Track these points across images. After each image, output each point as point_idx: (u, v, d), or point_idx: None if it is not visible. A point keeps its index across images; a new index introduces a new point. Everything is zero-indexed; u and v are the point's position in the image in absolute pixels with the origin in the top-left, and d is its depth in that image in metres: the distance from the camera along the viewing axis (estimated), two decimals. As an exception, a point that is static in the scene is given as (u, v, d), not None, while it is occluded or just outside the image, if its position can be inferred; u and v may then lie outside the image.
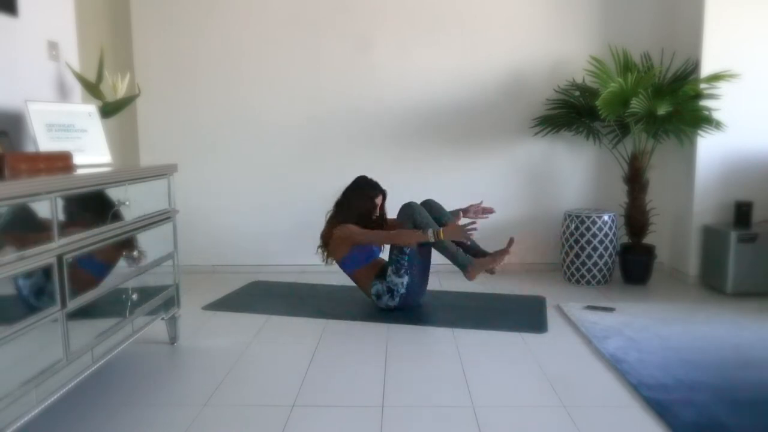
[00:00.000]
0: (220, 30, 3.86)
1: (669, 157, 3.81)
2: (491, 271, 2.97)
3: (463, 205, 3.23)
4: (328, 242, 3.10)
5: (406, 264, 2.93)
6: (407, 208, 3.00)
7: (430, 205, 3.12)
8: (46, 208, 1.64)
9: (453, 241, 2.96)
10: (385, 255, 3.12)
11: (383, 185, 4.03)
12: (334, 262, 3.14)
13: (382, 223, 3.19)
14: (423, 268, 3.02)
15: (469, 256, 2.98)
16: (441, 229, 2.90)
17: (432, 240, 2.89)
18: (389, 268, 2.97)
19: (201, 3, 3.84)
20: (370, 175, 4.01)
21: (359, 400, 2.05)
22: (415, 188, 3.95)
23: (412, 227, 2.95)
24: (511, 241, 2.97)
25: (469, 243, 2.97)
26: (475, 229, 2.85)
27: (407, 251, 2.93)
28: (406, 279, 2.94)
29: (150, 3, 3.83)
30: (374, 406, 2.00)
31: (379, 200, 3.15)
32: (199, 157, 3.93)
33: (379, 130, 3.93)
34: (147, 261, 2.29)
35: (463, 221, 3.11)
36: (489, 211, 3.17)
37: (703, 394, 2.04)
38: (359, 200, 3.11)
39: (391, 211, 3.63)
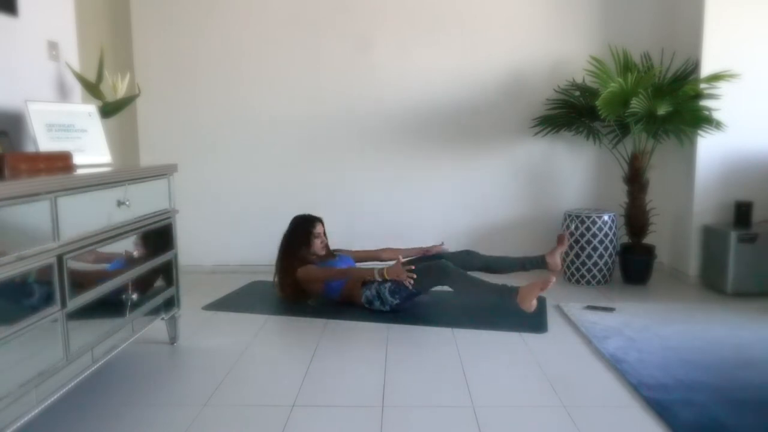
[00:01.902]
0: (220, 30, 3.86)
1: (669, 157, 3.81)
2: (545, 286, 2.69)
3: (427, 243, 3.45)
4: (294, 286, 3.16)
5: (404, 294, 2.93)
6: (437, 272, 2.90)
7: (472, 257, 3.27)
8: (46, 208, 1.64)
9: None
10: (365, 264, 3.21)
11: (383, 185, 4.05)
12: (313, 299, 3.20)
13: (329, 252, 3.31)
14: (417, 294, 3.00)
15: (506, 286, 2.78)
16: (385, 268, 2.92)
17: (378, 279, 2.94)
18: (387, 284, 2.94)
19: (201, 3, 3.84)
20: (369, 175, 4.03)
21: (359, 400, 2.05)
22: (415, 188, 3.97)
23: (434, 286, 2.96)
24: (561, 238, 3.16)
25: (410, 287, 2.86)
26: (413, 277, 2.82)
27: (412, 289, 2.91)
28: (397, 301, 2.97)
29: (150, 3, 3.83)
30: (374, 406, 2.00)
31: (319, 228, 3.26)
32: (199, 157, 3.93)
33: (379, 130, 3.93)
34: (147, 261, 2.29)
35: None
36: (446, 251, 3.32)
37: (703, 394, 2.04)
38: (302, 238, 3.22)
39: (395, 210, 3.64)
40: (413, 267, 2.89)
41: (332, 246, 3.41)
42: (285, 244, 3.25)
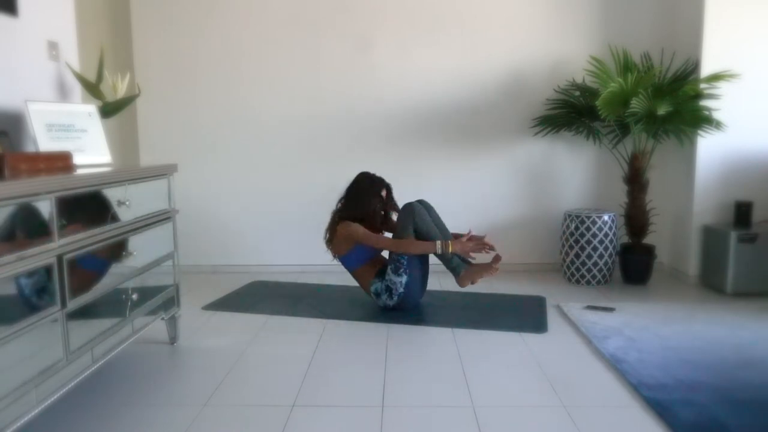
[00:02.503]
0: (220, 30, 3.86)
1: (669, 157, 3.81)
2: (473, 281, 3.03)
3: (464, 226, 3.36)
4: (332, 237, 3.09)
5: (404, 263, 2.93)
6: (407, 211, 2.99)
7: (427, 207, 3.11)
8: (46, 209, 1.64)
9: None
10: (385, 252, 3.12)
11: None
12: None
13: (386, 220, 3.20)
14: (422, 269, 3.02)
15: (461, 262, 3.04)
16: (450, 241, 2.91)
17: (440, 252, 2.92)
18: (388, 267, 2.98)
19: (201, 3, 3.84)
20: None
21: (359, 400, 2.05)
22: (415, 188, 3.96)
23: (412, 230, 2.95)
24: (496, 259, 3.01)
25: (473, 258, 3.06)
26: (492, 248, 2.97)
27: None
28: (404, 278, 2.94)
29: (150, 3, 3.83)
30: (374, 406, 2.00)
31: (384, 194, 3.14)
32: (199, 157, 3.93)
33: (379, 130, 3.93)
34: (147, 261, 2.29)
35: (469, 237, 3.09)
36: (490, 246, 3.03)
37: (703, 394, 2.04)
38: (364, 198, 3.07)
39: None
40: (487, 243, 2.98)
41: (329, 253, 3.25)
42: (345, 195, 3.10)
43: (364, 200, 3.06)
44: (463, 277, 3.00)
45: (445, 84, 3.87)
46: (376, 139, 3.93)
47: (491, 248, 2.98)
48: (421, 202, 3.11)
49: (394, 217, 3.17)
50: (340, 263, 3.14)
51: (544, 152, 3.93)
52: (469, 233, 3.05)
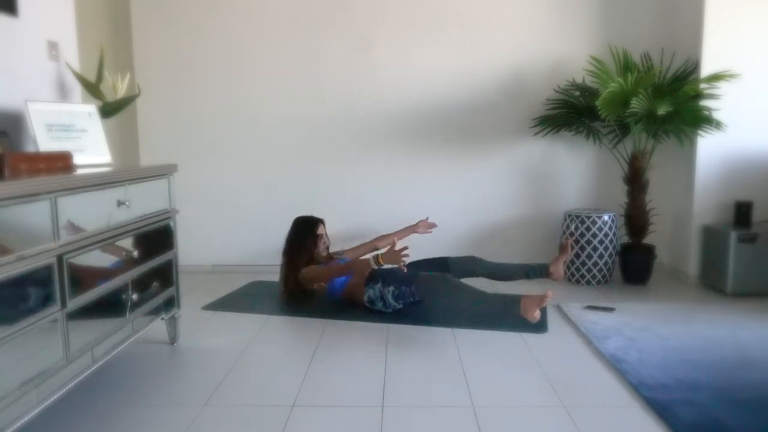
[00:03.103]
0: (220, 30, 3.86)
1: (669, 157, 3.81)
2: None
3: (416, 220, 3.54)
4: (294, 287, 3.19)
5: (408, 300, 2.92)
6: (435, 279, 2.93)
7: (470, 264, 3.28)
8: (46, 208, 1.64)
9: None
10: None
11: (383, 185, 4.04)
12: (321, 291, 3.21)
13: (328, 254, 3.33)
14: (421, 302, 2.98)
15: (508, 298, 2.74)
16: (380, 254, 2.92)
17: (375, 266, 2.95)
18: (391, 287, 2.93)
19: (201, 3, 3.84)
20: (369, 175, 4.03)
21: (359, 400, 2.05)
22: (415, 188, 3.97)
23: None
24: (564, 247, 3.18)
25: (404, 269, 2.83)
26: (407, 255, 2.80)
27: (417, 297, 2.89)
28: (400, 306, 2.96)
29: (150, 3, 3.83)
30: (374, 406, 2.00)
31: (321, 230, 3.28)
32: (199, 157, 3.93)
33: (379, 130, 3.93)
34: (147, 261, 2.29)
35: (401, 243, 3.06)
36: (433, 225, 3.49)
37: (703, 394, 2.04)
38: (305, 241, 3.23)
39: (395, 210, 3.66)
40: (407, 248, 2.82)
41: (331, 248, 3.41)
42: (289, 247, 3.25)
43: (307, 243, 3.22)
44: (524, 311, 2.65)
45: (445, 84, 3.87)
46: (376, 139, 3.93)
47: (433, 226, 3.32)
48: (473, 259, 3.31)
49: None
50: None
51: (544, 152, 3.93)
52: (425, 219, 3.46)
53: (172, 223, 2.51)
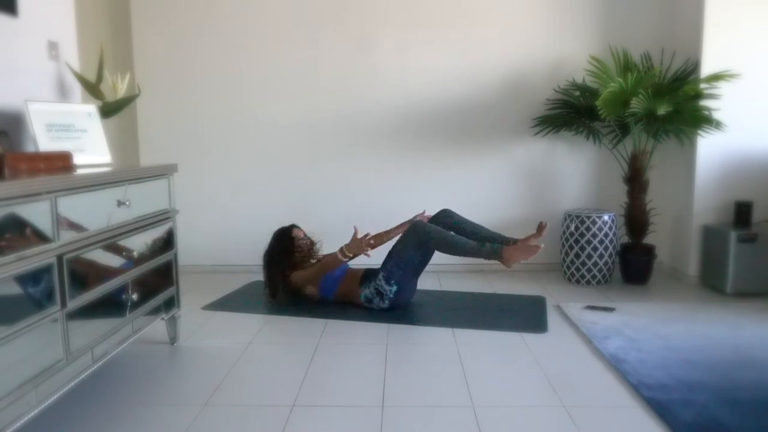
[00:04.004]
0: (220, 30, 3.86)
1: (669, 157, 3.81)
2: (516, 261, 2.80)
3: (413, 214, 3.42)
4: (293, 294, 3.17)
5: (398, 276, 2.96)
6: (413, 231, 2.99)
7: (448, 215, 3.19)
8: (46, 208, 1.64)
9: (476, 238, 3.01)
10: (363, 263, 3.15)
11: (384, 185, 4.05)
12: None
13: (311, 251, 3.30)
14: (413, 277, 3.05)
15: (495, 245, 2.87)
16: (343, 247, 2.97)
17: (342, 258, 2.98)
18: (380, 274, 2.99)
19: (201, 3, 3.84)
20: (369, 175, 4.03)
21: (359, 400, 2.05)
22: (415, 188, 3.97)
23: (416, 247, 2.95)
24: (541, 226, 2.96)
25: (369, 255, 2.97)
26: (371, 244, 2.90)
27: (402, 266, 2.94)
28: (395, 287, 2.98)
29: (150, 3, 3.83)
30: (374, 406, 2.00)
31: (298, 232, 3.28)
32: (199, 157, 3.93)
33: (379, 130, 3.93)
34: (147, 261, 2.29)
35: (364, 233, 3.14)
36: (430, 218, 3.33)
37: (703, 394, 2.04)
38: (284, 245, 3.22)
39: (395, 211, 3.66)
40: (368, 234, 2.96)
41: (326, 250, 3.39)
42: (268, 258, 3.24)
43: (289, 250, 3.21)
44: (506, 260, 2.78)
45: (445, 84, 3.87)
46: (377, 139, 3.93)
47: (369, 247, 3.05)
48: (444, 211, 3.21)
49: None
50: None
51: (544, 152, 3.93)
52: (422, 213, 3.29)
53: (172, 223, 2.51)
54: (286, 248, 3.22)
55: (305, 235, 3.32)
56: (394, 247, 3.04)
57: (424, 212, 3.40)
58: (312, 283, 3.15)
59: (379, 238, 3.18)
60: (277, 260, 3.21)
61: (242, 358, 2.44)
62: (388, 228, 3.25)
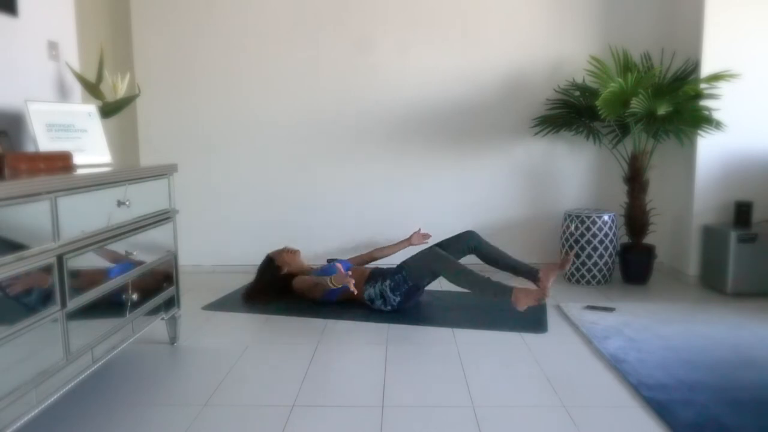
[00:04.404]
0: (220, 30, 3.86)
1: (669, 157, 3.81)
2: (541, 300, 2.70)
3: (413, 230, 3.57)
4: (298, 291, 3.20)
5: (404, 289, 2.95)
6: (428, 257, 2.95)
7: (472, 239, 3.24)
8: (46, 208, 1.64)
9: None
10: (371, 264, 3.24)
11: (383, 185, 4.05)
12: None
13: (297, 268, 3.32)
14: (418, 290, 3.05)
15: (506, 285, 2.75)
16: (330, 277, 2.96)
17: (331, 286, 2.96)
18: (388, 281, 2.97)
19: (201, 3, 3.84)
20: (369, 175, 4.04)
21: (359, 400, 2.05)
22: (415, 188, 3.97)
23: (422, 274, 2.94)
24: (566, 258, 2.96)
25: (354, 291, 2.81)
26: (351, 279, 2.80)
27: (410, 281, 2.93)
28: (399, 299, 2.98)
29: (150, 3, 3.83)
30: (374, 406, 2.00)
31: (276, 255, 3.31)
32: (199, 157, 3.93)
33: (379, 130, 3.93)
34: (147, 261, 2.29)
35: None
36: (427, 236, 3.48)
37: (703, 394, 2.04)
38: (277, 268, 3.27)
39: (395, 210, 3.66)
40: (350, 273, 3.03)
41: (329, 255, 3.44)
42: (259, 277, 3.31)
43: (279, 266, 3.26)
44: (513, 302, 2.69)
45: (445, 84, 3.87)
46: (377, 139, 3.93)
47: (427, 237, 3.38)
48: (468, 233, 3.27)
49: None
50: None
51: (544, 152, 3.93)
52: (418, 231, 3.49)
53: (172, 223, 2.51)
54: (272, 272, 3.27)
55: (289, 249, 3.35)
56: (406, 261, 2.99)
57: (419, 230, 3.49)
58: (314, 293, 3.14)
59: (371, 257, 3.48)
60: (275, 274, 3.27)
61: (242, 358, 2.44)
62: (388, 243, 3.51)
